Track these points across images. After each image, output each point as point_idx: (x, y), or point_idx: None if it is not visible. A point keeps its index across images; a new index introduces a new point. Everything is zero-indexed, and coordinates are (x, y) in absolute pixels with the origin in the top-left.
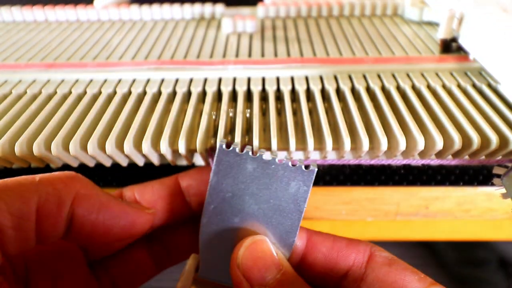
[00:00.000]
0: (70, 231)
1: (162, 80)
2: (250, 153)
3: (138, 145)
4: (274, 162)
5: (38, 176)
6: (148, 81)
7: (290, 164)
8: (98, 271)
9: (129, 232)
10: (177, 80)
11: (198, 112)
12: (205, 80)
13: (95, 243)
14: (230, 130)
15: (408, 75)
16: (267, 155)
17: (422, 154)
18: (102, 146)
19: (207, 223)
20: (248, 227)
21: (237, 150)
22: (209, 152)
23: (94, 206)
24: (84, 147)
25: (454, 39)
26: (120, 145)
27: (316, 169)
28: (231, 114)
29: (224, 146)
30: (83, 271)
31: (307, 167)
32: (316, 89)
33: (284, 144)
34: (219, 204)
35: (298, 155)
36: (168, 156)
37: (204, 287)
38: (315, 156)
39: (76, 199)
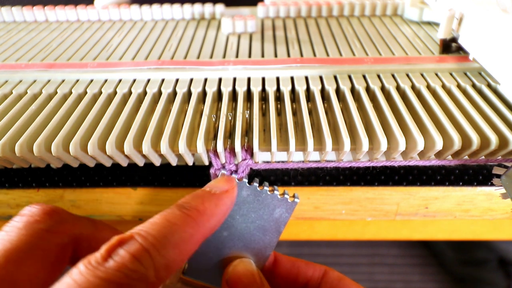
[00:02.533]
0: None
1: (163, 80)
2: (247, 182)
3: (138, 145)
4: (265, 192)
5: None
6: (148, 81)
7: (278, 195)
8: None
9: None
10: (177, 80)
11: (198, 113)
12: (205, 80)
13: None
14: (230, 131)
15: (407, 75)
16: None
17: (421, 155)
18: (102, 147)
19: None
20: (235, 239)
21: (237, 179)
22: (210, 153)
23: None
24: (84, 148)
25: (454, 39)
26: (120, 146)
27: (299, 201)
28: (230, 118)
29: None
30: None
31: (292, 197)
32: (316, 89)
33: (284, 145)
34: None
35: (298, 155)
36: (168, 156)
37: (188, 285)
38: (314, 156)
39: None
